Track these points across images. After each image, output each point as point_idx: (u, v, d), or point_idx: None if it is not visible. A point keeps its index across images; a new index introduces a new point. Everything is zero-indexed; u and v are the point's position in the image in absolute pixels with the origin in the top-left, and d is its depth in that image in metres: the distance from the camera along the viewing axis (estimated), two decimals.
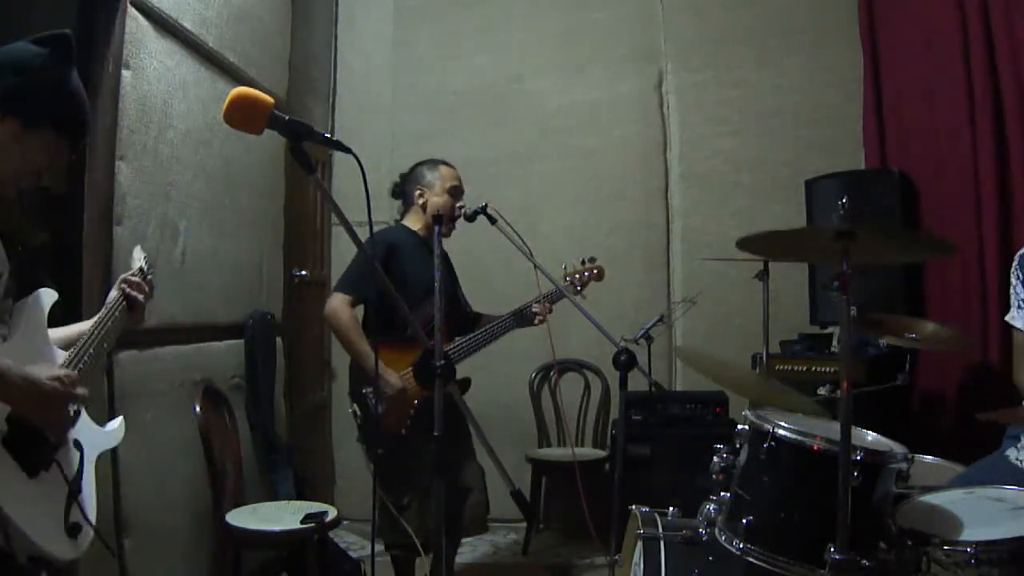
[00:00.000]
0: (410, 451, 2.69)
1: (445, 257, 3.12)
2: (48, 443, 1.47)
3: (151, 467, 2.62)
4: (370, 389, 2.74)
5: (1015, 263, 2.41)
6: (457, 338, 2.86)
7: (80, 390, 1.49)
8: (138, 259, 1.96)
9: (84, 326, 1.73)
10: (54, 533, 1.45)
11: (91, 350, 1.63)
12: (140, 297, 1.83)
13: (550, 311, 2.96)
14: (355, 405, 2.80)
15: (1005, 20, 3.08)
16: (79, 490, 1.54)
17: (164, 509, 2.70)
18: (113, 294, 1.81)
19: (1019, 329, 2.40)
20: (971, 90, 3.23)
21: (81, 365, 1.58)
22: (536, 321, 2.96)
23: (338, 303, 2.82)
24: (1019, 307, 2.40)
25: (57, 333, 1.72)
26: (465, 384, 2.90)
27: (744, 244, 1.81)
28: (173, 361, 2.82)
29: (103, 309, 1.76)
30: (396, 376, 2.74)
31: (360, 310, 2.87)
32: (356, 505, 3.93)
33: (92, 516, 1.58)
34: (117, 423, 1.81)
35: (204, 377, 2.94)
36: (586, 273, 3.09)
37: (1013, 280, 2.41)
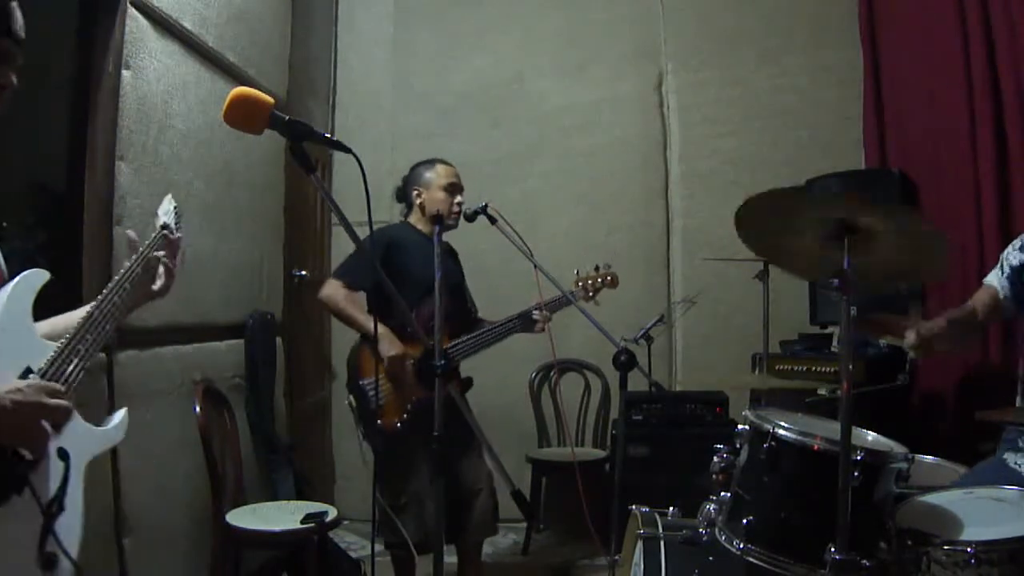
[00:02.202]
0: (408, 451, 2.69)
1: (452, 253, 3.14)
2: (21, 460, 1.23)
3: (151, 467, 2.62)
4: (366, 381, 2.75)
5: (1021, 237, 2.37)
6: (462, 336, 2.86)
7: (55, 401, 1.24)
8: (163, 214, 1.69)
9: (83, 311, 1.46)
10: (24, 571, 1.22)
11: (87, 339, 1.37)
12: (168, 261, 1.56)
13: (549, 319, 2.96)
14: (351, 396, 2.81)
15: (1005, 20, 3.08)
16: (59, 511, 1.29)
17: (164, 509, 2.70)
18: (126, 263, 1.54)
19: (990, 283, 2.35)
20: (971, 90, 3.23)
21: (74, 362, 1.33)
22: (536, 329, 2.96)
23: (332, 287, 2.88)
24: (1001, 268, 2.36)
25: (55, 324, 1.46)
26: (467, 384, 2.90)
27: (744, 224, 1.77)
28: (173, 361, 2.82)
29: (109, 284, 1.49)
30: (399, 346, 2.74)
31: (363, 302, 2.88)
32: (356, 505, 3.93)
33: (75, 539, 1.32)
34: (119, 418, 1.54)
35: (204, 377, 2.94)
36: (599, 280, 3.08)
37: (1014, 251, 2.36)
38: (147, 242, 1.59)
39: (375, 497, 1.86)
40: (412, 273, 2.75)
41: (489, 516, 2.93)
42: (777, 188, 1.75)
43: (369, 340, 2.75)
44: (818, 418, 2.17)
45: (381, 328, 2.75)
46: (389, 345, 2.74)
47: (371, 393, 2.74)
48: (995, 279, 2.34)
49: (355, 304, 2.83)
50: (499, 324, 2.93)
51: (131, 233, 1.59)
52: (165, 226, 1.65)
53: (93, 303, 1.45)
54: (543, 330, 2.95)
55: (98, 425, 1.48)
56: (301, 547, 2.76)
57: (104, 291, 1.47)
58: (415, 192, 3.02)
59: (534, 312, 2.92)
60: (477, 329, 2.95)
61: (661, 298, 4.30)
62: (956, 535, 1.70)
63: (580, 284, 3.06)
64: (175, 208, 1.71)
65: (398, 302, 1.70)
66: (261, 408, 3.37)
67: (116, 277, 1.51)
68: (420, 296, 2.73)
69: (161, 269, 1.58)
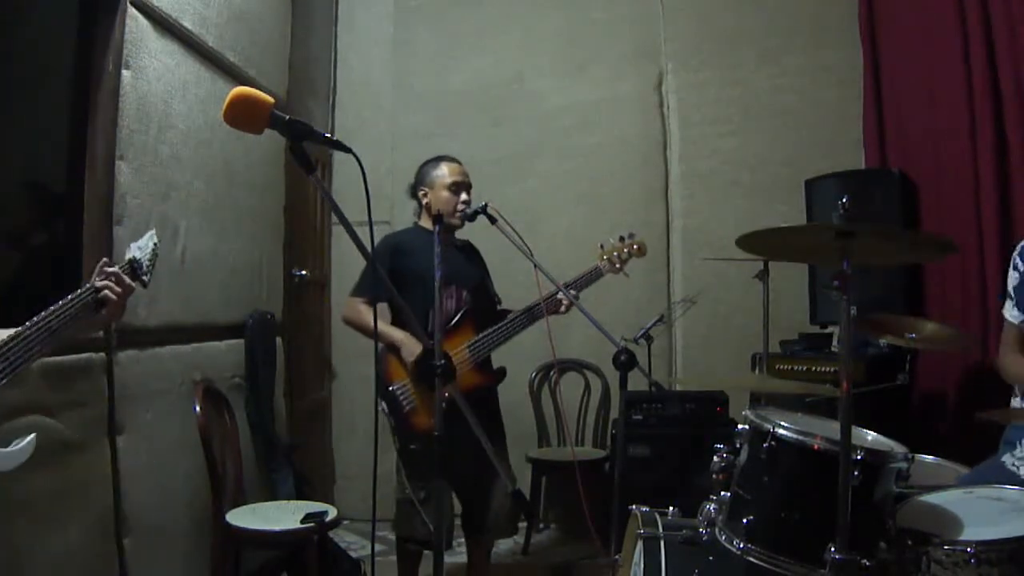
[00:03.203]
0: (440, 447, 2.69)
1: (475, 251, 3.13)
2: None
3: (151, 467, 2.62)
4: (396, 386, 2.75)
5: (1016, 252, 2.38)
6: (487, 330, 2.86)
7: None
8: (136, 248, 1.73)
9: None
10: None
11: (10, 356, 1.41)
12: (112, 296, 1.61)
13: (576, 298, 2.92)
14: (383, 403, 2.80)
15: (1005, 20, 3.08)
16: None
17: (164, 509, 2.70)
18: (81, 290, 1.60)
19: (1009, 321, 2.38)
20: (971, 90, 3.23)
21: None
22: (561, 310, 2.92)
23: (352, 306, 2.91)
24: (1010, 296, 2.38)
25: None
26: (500, 374, 2.92)
27: (744, 242, 1.81)
28: (173, 361, 2.82)
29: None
30: (419, 350, 2.74)
31: (386, 311, 2.89)
32: (356, 505, 3.93)
33: None
34: (24, 443, 1.55)
35: (204, 377, 2.94)
36: (626, 250, 3.04)
37: (1012, 271, 2.38)
38: (107, 267, 1.62)
39: (375, 498, 1.85)
40: (421, 275, 2.74)
41: (506, 518, 2.94)
42: (771, 228, 1.77)
43: (395, 349, 2.76)
44: (818, 418, 2.17)
45: (401, 333, 2.77)
46: (409, 350, 2.75)
47: (402, 398, 2.75)
48: (1007, 310, 2.35)
49: (379, 317, 2.84)
50: (521, 312, 2.90)
51: (105, 260, 1.64)
52: (132, 261, 1.68)
53: (24, 325, 1.46)
54: (567, 310, 2.92)
55: (5, 446, 1.51)
56: (301, 547, 2.76)
57: (41, 314, 1.50)
58: (421, 192, 3.01)
59: (560, 293, 2.90)
60: (502, 321, 2.93)
61: (661, 298, 4.30)
62: (956, 535, 1.70)
63: (606, 258, 3.01)
64: (154, 247, 1.72)
65: (397, 302, 1.70)
66: (261, 408, 3.37)
67: (60, 301, 1.54)
68: (433, 296, 2.73)
69: (113, 296, 1.62)
